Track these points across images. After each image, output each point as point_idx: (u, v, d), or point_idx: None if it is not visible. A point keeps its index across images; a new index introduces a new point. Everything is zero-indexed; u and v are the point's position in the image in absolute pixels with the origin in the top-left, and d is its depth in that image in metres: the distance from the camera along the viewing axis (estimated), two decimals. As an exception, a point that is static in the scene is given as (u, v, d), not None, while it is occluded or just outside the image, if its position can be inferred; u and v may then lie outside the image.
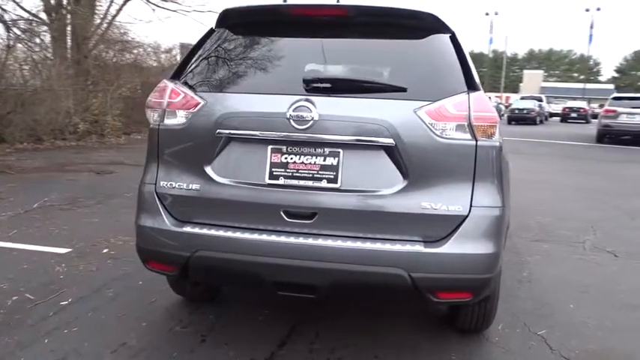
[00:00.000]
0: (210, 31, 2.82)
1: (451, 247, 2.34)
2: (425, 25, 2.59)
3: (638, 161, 13.07)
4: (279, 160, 2.45)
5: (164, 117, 2.62)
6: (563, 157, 13.04)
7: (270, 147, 2.46)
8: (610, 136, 17.71)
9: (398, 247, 2.34)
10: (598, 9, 51.76)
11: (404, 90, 2.40)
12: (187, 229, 2.52)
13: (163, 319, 3.26)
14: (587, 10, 51.51)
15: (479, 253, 2.36)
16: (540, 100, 34.96)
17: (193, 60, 2.73)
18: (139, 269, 3.98)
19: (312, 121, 2.37)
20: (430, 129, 2.34)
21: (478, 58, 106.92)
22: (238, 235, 2.44)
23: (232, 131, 2.47)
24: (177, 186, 2.57)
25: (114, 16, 15.17)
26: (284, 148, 2.45)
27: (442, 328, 3.22)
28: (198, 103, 2.53)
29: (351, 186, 2.39)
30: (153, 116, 2.67)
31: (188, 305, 3.43)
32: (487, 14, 48.53)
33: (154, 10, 16.36)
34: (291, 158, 2.44)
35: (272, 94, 2.48)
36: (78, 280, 3.79)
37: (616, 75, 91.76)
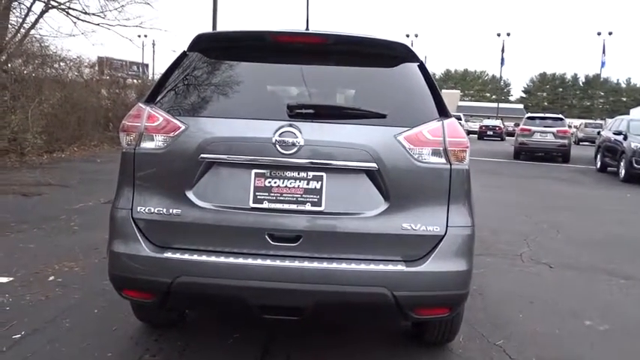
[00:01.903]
0: (183, 55, 2.81)
1: (430, 265, 2.46)
2: (396, 53, 2.73)
3: (552, 177, 14.05)
4: (262, 184, 2.48)
5: (140, 141, 2.57)
6: (485, 173, 13.77)
7: (253, 171, 2.48)
8: (525, 152, 18.99)
9: (381, 266, 2.43)
10: (508, 34, 55.31)
11: (384, 116, 2.51)
12: (168, 254, 2.47)
13: (129, 348, 3.14)
14: (499, 35, 55.00)
15: (455, 270, 2.50)
16: (459, 118, 36.74)
17: (168, 83, 2.70)
18: (91, 297, 3.86)
19: (297, 147, 2.42)
20: (409, 154, 2.47)
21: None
22: (222, 259, 2.43)
23: (216, 156, 2.47)
24: (156, 211, 2.53)
25: (29, 28, 14.45)
26: (267, 173, 2.48)
27: (407, 343, 3.34)
28: (179, 128, 2.52)
29: (334, 209, 2.46)
30: (127, 140, 2.62)
31: (152, 332, 3.33)
32: (407, 36, 50.84)
33: (75, 23, 15.75)
34: (275, 182, 2.48)
35: (255, 119, 2.51)
36: (27, 311, 3.57)
37: (524, 95, 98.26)
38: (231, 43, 2.80)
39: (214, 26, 19.80)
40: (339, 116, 2.53)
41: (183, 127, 2.51)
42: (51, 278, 4.25)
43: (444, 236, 2.50)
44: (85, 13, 17.28)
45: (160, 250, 2.50)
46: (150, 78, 21.16)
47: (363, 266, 2.42)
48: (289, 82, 2.72)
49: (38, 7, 15.25)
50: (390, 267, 2.43)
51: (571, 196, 10.41)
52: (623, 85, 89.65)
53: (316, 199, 2.46)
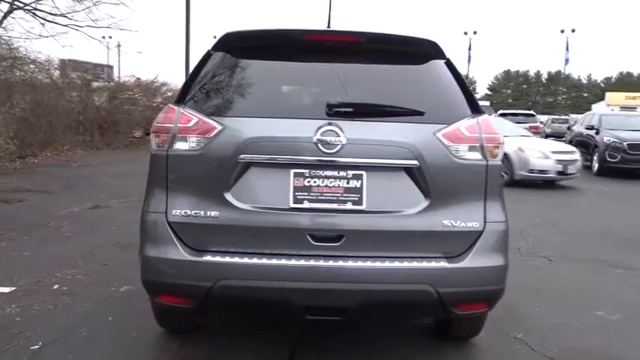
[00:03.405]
0: (208, 54, 2.76)
1: (471, 261, 2.47)
2: (425, 51, 2.73)
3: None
4: (302, 184, 2.45)
5: (173, 142, 2.51)
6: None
7: (292, 171, 2.45)
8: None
9: (424, 264, 2.43)
10: (475, 32, 56.17)
11: (422, 114, 2.51)
12: (207, 258, 2.42)
13: (155, 355, 3.08)
14: (466, 34, 55.80)
15: (494, 265, 2.52)
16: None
17: (197, 84, 2.65)
18: (102, 304, 3.76)
19: (340, 145, 2.40)
20: (448, 150, 2.48)
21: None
22: (264, 261, 2.40)
23: (256, 156, 2.43)
24: (192, 214, 2.47)
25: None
26: (307, 172, 2.45)
27: (432, 339, 3.36)
28: (215, 128, 2.47)
29: (375, 207, 2.45)
30: (158, 141, 2.56)
31: (174, 338, 3.26)
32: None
33: (42, 24, 15.34)
34: (315, 182, 2.45)
35: (294, 118, 2.48)
36: (39, 321, 3.45)
37: (489, 92, 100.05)
38: (259, 41, 2.76)
39: (187, 27, 19.50)
40: (378, 114, 2.52)
41: (219, 128, 2.46)
42: (55, 286, 4.11)
43: (482, 232, 2.52)
44: (53, 14, 16.86)
45: (198, 253, 2.45)
46: (118, 80, 20.64)
47: (406, 264, 2.42)
48: (322, 80, 2.69)
49: (3, 7, 14.79)
50: (433, 264, 2.44)
51: (551, 192, 10.63)
52: (584, 82, 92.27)
53: (357, 198, 2.45)
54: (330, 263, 2.40)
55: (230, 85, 2.65)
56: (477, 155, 2.53)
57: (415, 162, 2.44)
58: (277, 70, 2.70)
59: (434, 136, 2.48)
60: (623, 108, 43.96)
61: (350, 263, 2.40)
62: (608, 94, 59.38)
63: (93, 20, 16.24)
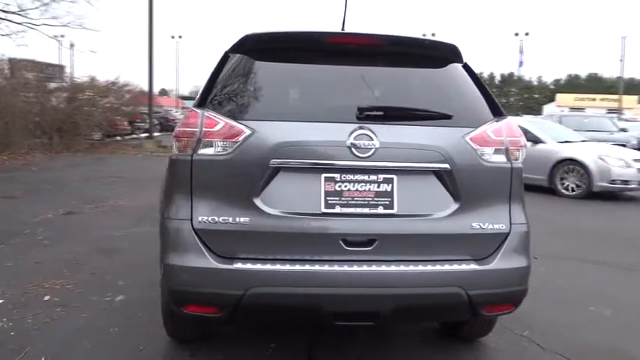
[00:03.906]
0: (226, 56, 2.69)
1: (499, 263, 2.50)
2: (445, 54, 2.75)
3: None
4: (333, 189, 2.42)
5: (198, 147, 2.43)
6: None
7: (323, 175, 2.42)
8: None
9: (455, 266, 2.44)
10: (433, 34, 57.47)
11: (450, 117, 2.52)
12: (238, 265, 2.36)
13: (168, 366, 2.97)
14: (424, 35, 57.04)
15: (520, 266, 2.56)
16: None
17: (218, 87, 2.58)
18: (100, 315, 3.63)
19: (373, 149, 2.39)
20: (477, 154, 2.50)
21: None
22: (297, 267, 2.36)
23: (288, 160, 2.39)
24: (220, 220, 2.40)
25: None
26: (338, 177, 2.42)
27: (443, 340, 3.38)
28: (243, 132, 2.40)
29: (406, 211, 2.45)
30: (180, 146, 2.47)
31: (184, 347, 3.16)
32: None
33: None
34: (345, 186, 2.43)
35: (325, 122, 2.45)
36: (36, 335, 3.28)
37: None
38: (280, 43, 2.71)
39: (150, 27, 19.07)
40: (408, 118, 2.51)
41: (248, 132, 2.40)
42: (46, 298, 3.93)
43: (508, 234, 2.55)
44: (5, 11, 16.21)
45: (227, 261, 2.38)
46: (74, 80, 19.92)
47: (438, 267, 2.42)
48: (348, 83, 2.66)
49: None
50: (464, 266, 2.45)
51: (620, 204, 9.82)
52: (535, 83, 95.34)
53: (388, 202, 2.44)
54: (364, 268, 2.38)
55: (254, 87, 2.59)
56: (502, 158, 2.56)
57: (446, 165, 2.45)
58: (301, 73, 2.66)
59: (463, 140, 2.49)
60: (573, 109, 45.79)
61: (383, 268, 2.39)
62: (558, 96, 61.71)
63: (51, 18, 15.71)
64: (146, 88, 21.98)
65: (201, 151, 2.43)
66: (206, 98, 2.54)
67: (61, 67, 35.94)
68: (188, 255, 2.40)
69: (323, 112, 2.52)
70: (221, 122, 2.42)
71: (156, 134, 22.76)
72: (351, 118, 2.44)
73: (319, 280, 2.35)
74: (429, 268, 2.41)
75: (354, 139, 2.39)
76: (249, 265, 2.36)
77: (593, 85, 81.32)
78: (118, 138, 21.93)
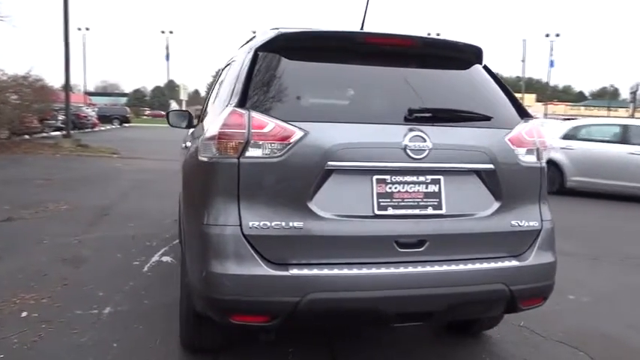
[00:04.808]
0: (256, 55, 2.57)
1: (535, 258, 2.61)
2: (470, 56, 2.82)
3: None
4: (384, 191, 2.41)
5: (246, 149, 2.32)
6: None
7: (375, 177, 2.40)
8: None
9: (499, 264, 2.52)
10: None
11: (490, 118, 2.59)
12: (294, 271, 2.29)
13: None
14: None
15: (550, 261, 2.69)
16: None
17: (255, 86, 2.46)
18: (94, 331, 3.40)
19: (427, 151, 2.40)
20: (515, 154, 2.59)
21: None
22: (355, 271, 2.32)
23: (345, 163, 2.34)
24: (273, 225, 2.31)
25: None
26: (389, 178, 2.41)
27: (450, 332, 3.48)
28: (295, 134, 2.32)
29: (454, 211, 2.48)
30: (222, 148, 2.34)
31: (200, 357, 3.02)
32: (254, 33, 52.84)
33: None
34: (396, 188, 2.42)
35: (377, 123, 2.42)
36: (32, 356, 2.99)
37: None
38: (316, 42, 2.64)
39: (66, 16, 17.84)
40: (454, 119, 2.54)
41: (301, 134, 2.32)
42: (23, 314, 3.58)
43: (540, 230, 2.67)
44: None
45: (281, 267, 2.30)
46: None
47: (485, 265, 2.49)
48: (390, 84, 2.62)
49: None
50: (506, 263, 2.53)
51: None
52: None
53: (436, 203, 2.46)
54: (419, 269, 2.39)
55: (297, 88, 2.50)
56: (533, 158, 2.67)
57: (491, 166, 2.52)
58: (344, 73, 2.61)
59: (504, 140, 2.57)
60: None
61: (436, 268, 2.41)
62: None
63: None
64: (52, 83, 20.52)
65: (250, 153, 2.32)
66: (244, 98, 2.42)
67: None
68: (238, 262, 2.29)
69: (374, 113, 2.49)
70: (271, 123, 2.33)
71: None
72: (400, 119, 2.44)
73: (377, 282, 2.33)
74: (477, 266, 2.47)
75: (409, 140, 2.39)
76: (305, 271, 2.29)
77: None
78: (27, 136, 20.35)
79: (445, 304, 2.44)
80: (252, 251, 2.30)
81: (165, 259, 5.06)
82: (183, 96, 65.88)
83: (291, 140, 2.32)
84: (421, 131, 2.42)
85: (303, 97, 2.49)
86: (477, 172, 2.54)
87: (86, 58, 51.63)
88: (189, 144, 4.02)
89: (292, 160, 2.32)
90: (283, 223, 2.31)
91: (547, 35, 50.36)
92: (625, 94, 40.82)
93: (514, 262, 2.55)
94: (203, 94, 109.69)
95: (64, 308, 3.71)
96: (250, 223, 2.31)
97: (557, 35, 50.65)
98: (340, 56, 2.63)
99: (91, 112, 34.50)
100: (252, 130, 2.32)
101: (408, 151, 2.39)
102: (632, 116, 36.58)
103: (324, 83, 2.55)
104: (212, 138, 2.41)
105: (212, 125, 2.50)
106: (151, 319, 3.58)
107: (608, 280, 4.96)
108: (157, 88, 75.36)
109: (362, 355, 3.16)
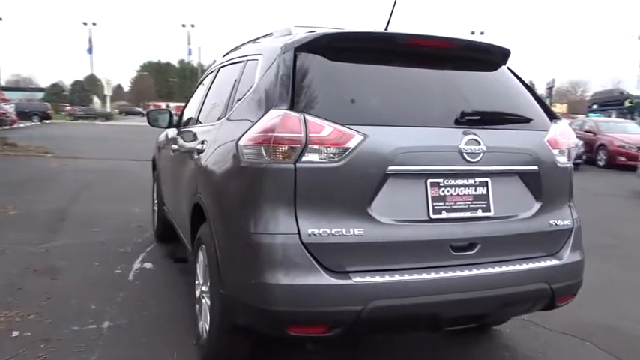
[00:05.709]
0: (294, 55, 2.47)
1: (570, 256, 2.71)
2: (498, 58, 2.86)
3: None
4: (437, 194, 2.40)
5: (302, 154, 2.23)
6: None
7: (429, 181, 2.38)
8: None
9: (541, 263, 2.58)
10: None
11: (530, 121, 2.64)
12: (357, 279, 2.22)
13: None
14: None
15: (581, 259, 2.79)
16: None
17: (300, 88, 2.36)
18: (99, 347, 3.19)
19: (482, 154, 2.41)
20: (553, 155, 2.66)
21: (165, 68, 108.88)
22: (415, 276, 2.30)
23: (405, 167, 2.30)
24: (333, 233, 2.23)
25: None
26: (441, 182, 2.41)
27: (462, 332, 3.53)
28: (355, 138, 2.26)
29: (501, 213, 2.52)
30: (276, 153, 2.24)
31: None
32: (184, 26, 52.92)
33: None
34: (448, 191, 2.42)
35: (434, 127, 2.41)
36: (42, 380, 2.75)
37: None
38: (358, 43, 2.57)
39: None
40: (502, 122, 2.57)
41: (360, 138, 2.26)
42: (15, 334, 3.27)
43: (572, 229, 2.76)
44: None
45: (342, 275, 2.23)
46: None
47: (530, 265, 2.54)
48: (437, 87, 2.60)
49: None
50: (547, 262, 2.60)
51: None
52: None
53: (485, 205, 2.48)
54: (474, 272, 2.40)
55: (346, 90, 2.42)
56: (565, 159, 2.75)
57: (535, 167, 2.57)
58: (390, 75, 2.55)
59: (543, 142, 2.63)
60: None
61: (489, 270, 2.43)
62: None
63: None
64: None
65: (307, 158, 2.23)
66: (293, 100, 2.33)
67: None
68: (297, 272, 2.20)
69: (428, 116, 2.47)
70: (328, 127, 2.25)
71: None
72: (451, 122, 2.44)
73: (436, 287, 2.32)
74: (523, 266, 2.51)
75: (465, 144, 2.39)
76: (368, 278, 2.24)
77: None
78: None
79: (496, 305, 2.47)
80: (312, 260, 2.22)
81: (147, 265, 4.80)
82: (108, 91, 63.15)
83: (351, 144, 2.25)
84: (475, 134, 2.43)
85: (357, 99, 2.41)
86: (519, 174, 2.59)
87: None
88: (184, 144, 3.84)
89: (352, 165, 2.25)
90: (344, 230, 2.25)
91: (472, 33, 52.38)
92: (541, 89, 43.18)
93: (554, 261, 2.63)
94: (127, 89, 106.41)
95: (56, 324, 3.43)
96: (309, 231, 2.23)
97: (482, 33, 52.79)
98: (384, 58, 2.58)
99: (9, 109, 32.20)
100: (310, 135, 2.23)
101: (465, 155, 2.39)
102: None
103: (374, 85, 2.49)
104: (261, 142, 2.29)
105: (254, 128, 2.37)
106: (157, 331, 3.39)
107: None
108: (76, 83, 71.45)
109: (384, 355, 3.15)
